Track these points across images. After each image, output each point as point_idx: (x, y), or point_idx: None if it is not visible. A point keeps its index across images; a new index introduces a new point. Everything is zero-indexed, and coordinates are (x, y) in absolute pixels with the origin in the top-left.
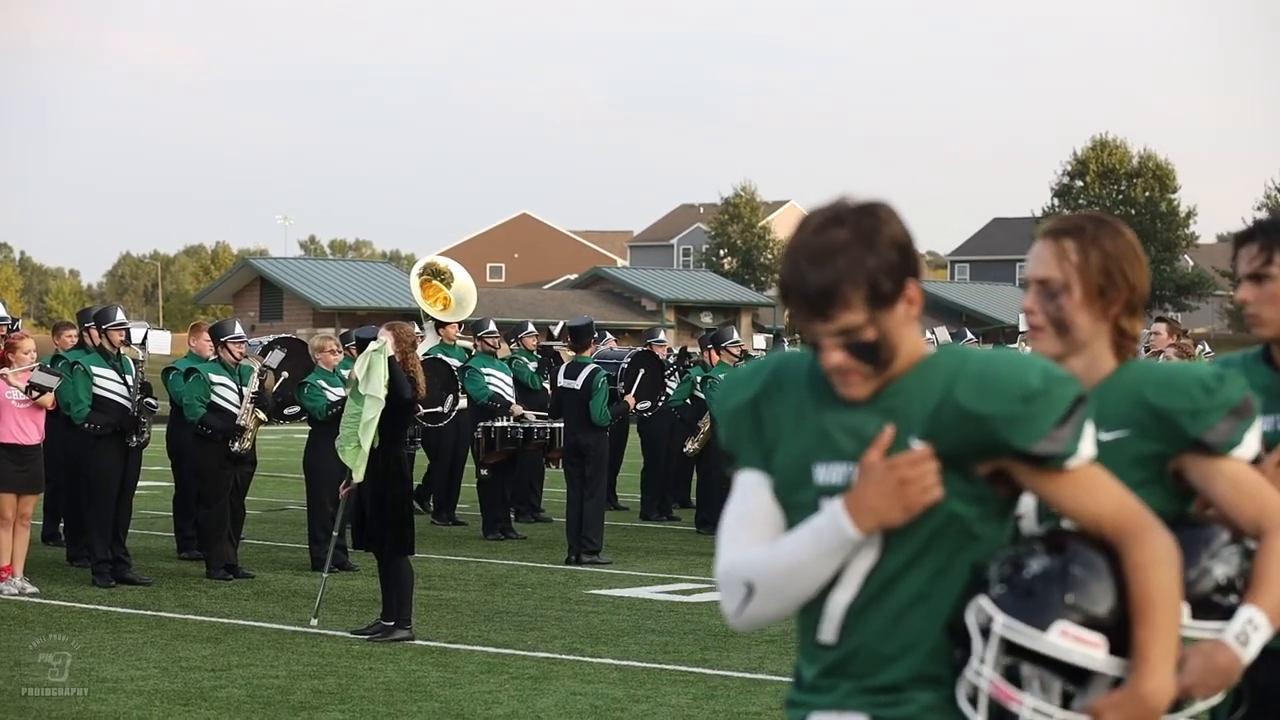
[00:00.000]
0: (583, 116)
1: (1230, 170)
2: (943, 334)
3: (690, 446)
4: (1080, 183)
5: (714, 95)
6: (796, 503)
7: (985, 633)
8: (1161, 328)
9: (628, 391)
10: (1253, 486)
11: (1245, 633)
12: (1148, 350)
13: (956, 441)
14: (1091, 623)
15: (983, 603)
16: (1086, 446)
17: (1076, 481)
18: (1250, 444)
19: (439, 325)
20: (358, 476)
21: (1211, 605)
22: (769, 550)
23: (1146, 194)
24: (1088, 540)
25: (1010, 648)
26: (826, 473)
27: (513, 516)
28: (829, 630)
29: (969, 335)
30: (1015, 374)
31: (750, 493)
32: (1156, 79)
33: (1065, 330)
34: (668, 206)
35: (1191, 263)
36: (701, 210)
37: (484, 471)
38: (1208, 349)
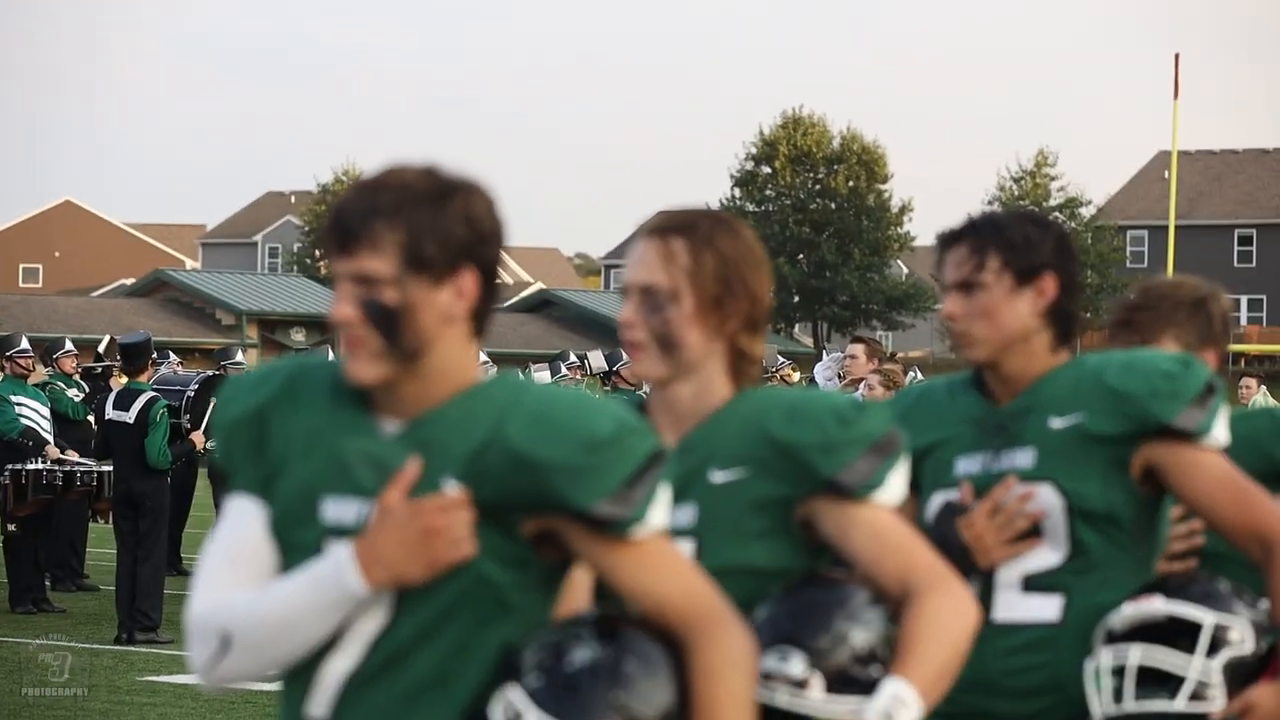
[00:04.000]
0: (141, 77)
1: (954, 156)
2: (597, 359)
3: None
4: (768, 169)
5: (309, 54)
6: (297, 542)
7: None
8: (859, 350)
9: (195, 427)
10: (897, 538)
11: (889, 711)
12: (843, 379)
13: (501, 490)
14: None
15: (513, 696)
16: (658, 514)
17: (641, 556)
18: (895, 487)
19: None
20: None
21: (849, 679)
22: (256, 597)
23: (850, 183)
24: (646, 627)
25: None
26: (337, 509)
27: (48, 584)
28: (321, 701)
29: (625, 359)
30: (582, 417)
31: (241, 523)
32: (858, 44)
33: (672, 348)
34: (250, 195)
35: (906, 270)
36: (293, 199)
37: (11, 527)
38: (920, 376)
